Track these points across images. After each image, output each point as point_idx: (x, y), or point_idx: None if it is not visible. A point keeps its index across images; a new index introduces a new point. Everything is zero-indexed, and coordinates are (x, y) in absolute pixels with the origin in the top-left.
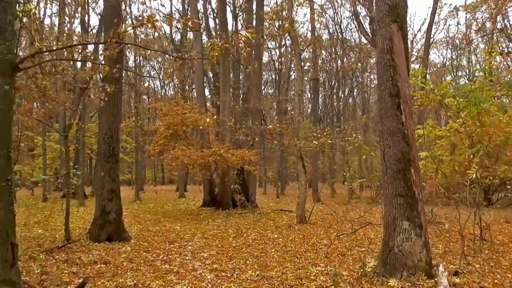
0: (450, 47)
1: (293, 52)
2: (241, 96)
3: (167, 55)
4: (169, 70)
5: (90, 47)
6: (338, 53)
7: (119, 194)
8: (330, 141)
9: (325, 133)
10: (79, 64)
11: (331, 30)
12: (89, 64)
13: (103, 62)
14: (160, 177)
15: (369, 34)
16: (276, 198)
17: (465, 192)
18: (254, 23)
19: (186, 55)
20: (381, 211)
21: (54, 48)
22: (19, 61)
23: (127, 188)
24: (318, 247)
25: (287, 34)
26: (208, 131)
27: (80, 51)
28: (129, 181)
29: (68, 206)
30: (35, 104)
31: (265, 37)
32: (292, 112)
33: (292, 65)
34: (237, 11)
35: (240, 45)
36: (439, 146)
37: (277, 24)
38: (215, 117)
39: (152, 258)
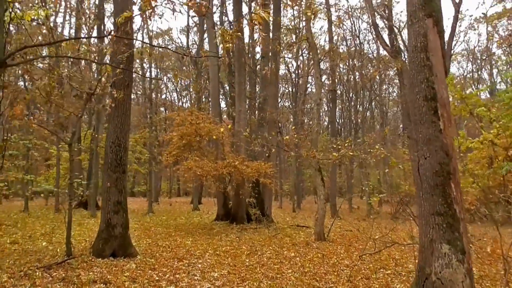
0: (471, 59)
1: (310, 63)
2: (257, 106)
3: (182, 61)
4: (178, 73)
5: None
6: (356, 65)
7: (126, 207)
8: (351, 153)
9: (346, 144)
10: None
11: (348, 42)
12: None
13: (109, 64)
14: (175, 189)
15: (388, 45)
16: (292, 213)
17: (502, 209)
18: (271, 32)
19: (201, 65)
20: (404, 229)
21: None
22: (6, 56)
23: (143, 199)
24: (339, 268)
25: (304, 42)
26: (223, 142)
27: (94, 54)
28: (145, 192)
29: (70, 219)
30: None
31: (281, 47)
32: (311, 123)
33: (309, 78)
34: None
35: (255, 26)
36: (470, 160)
37: (294, 36)
38: (229, 126)
39: (157, 278)
